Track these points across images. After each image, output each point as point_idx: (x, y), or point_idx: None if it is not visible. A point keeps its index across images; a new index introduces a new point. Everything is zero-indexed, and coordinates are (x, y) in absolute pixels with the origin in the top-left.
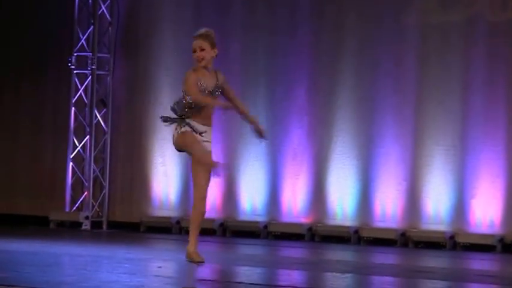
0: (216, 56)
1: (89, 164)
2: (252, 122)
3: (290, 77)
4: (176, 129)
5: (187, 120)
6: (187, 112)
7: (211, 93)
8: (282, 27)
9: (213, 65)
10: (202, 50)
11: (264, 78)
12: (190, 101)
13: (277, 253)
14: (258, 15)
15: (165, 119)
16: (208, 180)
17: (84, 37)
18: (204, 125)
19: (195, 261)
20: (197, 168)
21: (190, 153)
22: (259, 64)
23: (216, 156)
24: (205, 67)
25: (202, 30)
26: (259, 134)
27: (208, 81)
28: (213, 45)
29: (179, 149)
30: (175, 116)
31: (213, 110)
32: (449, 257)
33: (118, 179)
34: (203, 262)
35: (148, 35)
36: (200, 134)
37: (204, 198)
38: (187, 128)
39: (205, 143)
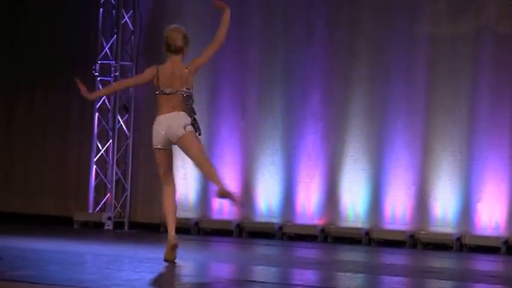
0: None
1: (112, 167)
2: None
3: (305, 85)
4: (184, 127)
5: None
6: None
7: None
8: (298, 38)
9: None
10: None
11: (281, 85)
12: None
13: (291, 253)
14: (275, 25)
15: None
16: None
17: (108, 46)
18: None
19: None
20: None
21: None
22: (276, 72)
23: (234, 159)
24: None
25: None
26: None
27: None
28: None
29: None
30: (193, 116)
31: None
32: (456, 258)
33: (139, 182)
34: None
35: None
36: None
37: None
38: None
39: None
